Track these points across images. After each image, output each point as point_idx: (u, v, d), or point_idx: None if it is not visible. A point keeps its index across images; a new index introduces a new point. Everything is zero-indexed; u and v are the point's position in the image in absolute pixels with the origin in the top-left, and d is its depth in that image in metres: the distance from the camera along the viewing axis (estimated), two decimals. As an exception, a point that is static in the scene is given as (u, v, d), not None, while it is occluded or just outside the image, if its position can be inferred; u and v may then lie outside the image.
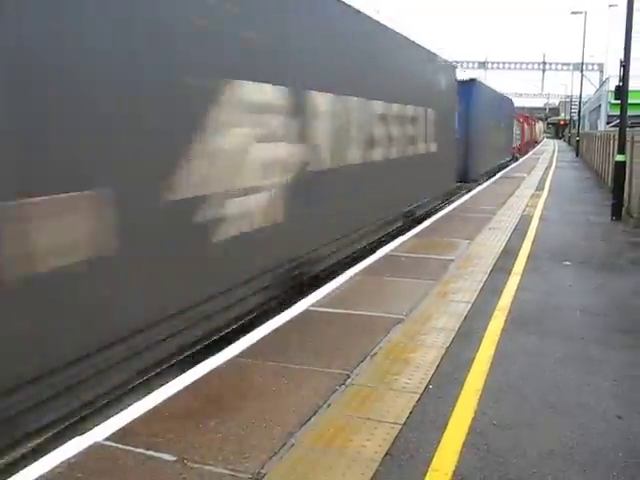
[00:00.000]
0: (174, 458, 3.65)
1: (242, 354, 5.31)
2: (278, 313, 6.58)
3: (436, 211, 15.34)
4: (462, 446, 3.87)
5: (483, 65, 78.88)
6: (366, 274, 8.25)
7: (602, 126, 45.85)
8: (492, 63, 78.81)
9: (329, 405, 4.37)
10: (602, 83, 58.02)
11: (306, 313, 6.51)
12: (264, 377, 4.87)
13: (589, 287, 8.02)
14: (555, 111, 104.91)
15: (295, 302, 6.97)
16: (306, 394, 4.53)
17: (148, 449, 3.74)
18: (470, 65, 79.07)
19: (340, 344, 5.60)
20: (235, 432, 3.98)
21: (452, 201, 17.38)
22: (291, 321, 6.24)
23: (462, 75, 23.76)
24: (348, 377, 4.83)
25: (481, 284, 7.72)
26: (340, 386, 4.67)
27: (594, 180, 24.58)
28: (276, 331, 5.94)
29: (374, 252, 9.75)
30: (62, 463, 3.60)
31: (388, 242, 10.76)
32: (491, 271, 8.44)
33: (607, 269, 9.02)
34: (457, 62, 77.45)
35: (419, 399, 4.50)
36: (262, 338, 5.72)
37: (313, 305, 6.77)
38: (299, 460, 3.66)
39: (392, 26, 11.67)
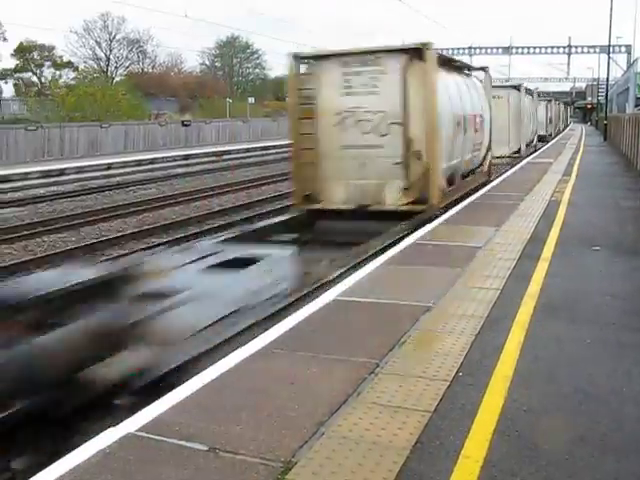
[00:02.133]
0: (206, 448, 3.69)
1: (272, 344, 5.34)
2: (307, 303, 6.59)
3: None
4: (492, 433, 3.86)
5: (507, 50, 78.07)
6: (393, 263, 8.24)
7: (630, 109, 45.13)
8: (516, 48, 77.95)
9: (359, 394, 4.38)
10: (630, 65, 57.10)
11: (334, 303, 6.52)
12: (293, 367, 4.89)
13: (619, 272, 7.93)
14: (582, 95, 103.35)
15: (322, 292, 6.99)
16: (336, 383, 4.55)
17: (180, 439, 3.79)
18: (494, 51, 78.31)
19: (368, 333, 5.61)
20: (266, 422, 4.00)
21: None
22: (319, 311, 6.25)
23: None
24: (377, 366, 4.84)
25: (509, 271, 7.67)
26: (369, 375, 4.68)
27: (623, 164, 24.25)
28: (305, 321, 5.95)
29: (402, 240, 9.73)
30: (97, 453, 3.66)
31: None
32: (519, 257, 8.37)
33: (637, 254, 8.91)
34: (481, 48, 76.71)
35: (449, 387, 4.49)
36: (291, 328, 5.74)
37: (340, 295, 6.78)
38: (330, 449, 3.67)
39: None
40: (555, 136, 45.61)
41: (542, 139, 39.73)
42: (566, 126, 69.90)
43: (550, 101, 46.39)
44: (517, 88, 29.82)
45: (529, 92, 33.69)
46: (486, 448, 3.70)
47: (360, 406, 4.22)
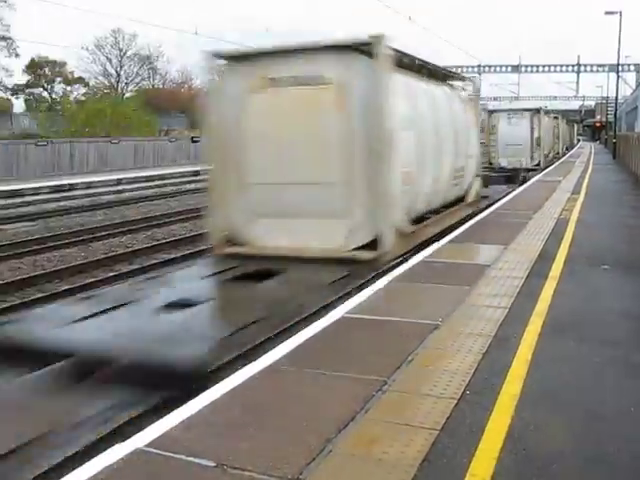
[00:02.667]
0: (214, 464, 3.70)
1: (279, 361, 5.35)
2: (315, 320, 6.61)
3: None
4: (500, 451, 3.86)
5: (516, 68, 78.18)
6: (401, 281, 8.25)
7: (639, 127, 45.11)
8: (525, 66, 78.04)
9: (367, 411, 4.39)
10: (639, 84, 57.15)
11: (342, 320, 6.53)
12: (301, 384, 4.91)
13: (628, 291, 7.92)
14: (591, 113, 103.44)
15: (331, 309, 7.00)
16: (343, 400, 4.55)
17: (188, 455, 3.80)
18: (504, 69, 78.47)
19: (376, 351, 5.61)
20: (273, 438, 4.01)
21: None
22: (327, 328, 6.27)
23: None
24: (385, 383, 4.84)
25: (517, 289, 7.67)
26: (377, 392, 4.69)
27: (632, 182, 24.23)
28: (313, 338, 5.97)
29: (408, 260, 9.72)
30: (104, 469, 3.67)
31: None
32: (527, 276, 8.37)
33: (646, 273, 8.89)
34: (490, 66, 76.86)
35: (456, 405, 4.49)
36: (299, 345, 5.75)
37: (349, 312, 6.79)
38: (337, 466, 3.68)
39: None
40: (561, 157, 47.02)
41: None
42: (571, 146, 69.65)
43: (556, 118, 48.21)
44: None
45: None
46: (493, 466, 3.69)
47: (368, 423, 4.22)
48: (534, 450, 3.90)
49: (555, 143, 45.66)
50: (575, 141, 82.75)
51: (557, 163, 38.56)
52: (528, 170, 31.73)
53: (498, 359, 5.40)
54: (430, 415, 4.33)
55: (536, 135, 34.26)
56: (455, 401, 4.55)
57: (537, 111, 35.56)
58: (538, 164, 33.98)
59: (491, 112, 36.11)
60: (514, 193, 20.01)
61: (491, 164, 32.93)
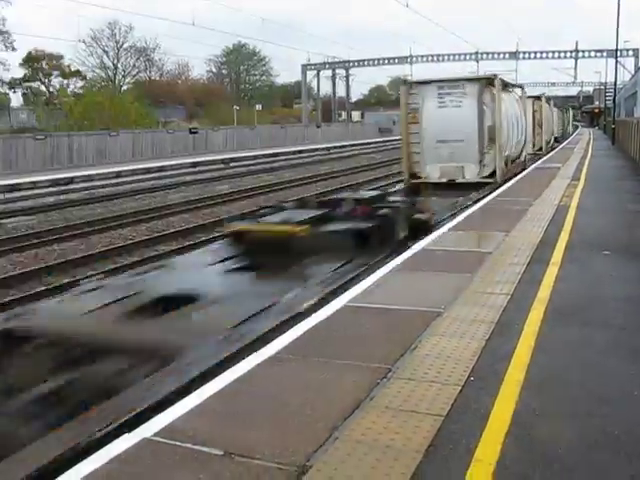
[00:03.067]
0: (221, 452, 3.73)
1: (283, 350, 5.37)
2: (318, 308, 6.62)
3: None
4: (505, 437, 3.88)
5: (514, 55, 77.95)
6: (403, 269, 8.26)
7: (638, 113, 45.03)
8: (523, 53, 77.83)
9: (372, 398, 4.41)
10: (638, 69, 56.99)
11: (345, 309, 6.55)
12: (306, 372, 4.93)
13: (630, 276, 7.94)
14: (589, 99, 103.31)
15: (333, 298, 7.02)
16: (349, 388, 4.58)
17: (195, 444, 3.82)
18: (501, 56, 78.23)
19: (380, 339, 5.63)
20: (280, 427, 4.04)
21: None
22: (330, 317, 6.29)
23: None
24: (390, 371, 4.87)
25: (519, 276, 7.68)
26: (382, 380, 4.71)
27: (631, 168, 24.22)
28: (315, 327, 5.99)
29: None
30: (113, 459, 3.70)
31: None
32: (529, 262, 8.38)
33: (648, 258, 8.91)
34: (488, 53, 76.57)
35: (461, 391, 4.51)
36: (302, 334, 5.77)
37: (352, 300, 6.81)
38: (344, 454, 3.70)
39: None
40: (545, 153, 35.34)
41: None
42: (563, 136, 56.46)
43: (537, 98, 37.09)
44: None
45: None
46: (499, 451, 3.72)
47: (373, 410, 4.24)
48: (539, 435, 3.92)
49: (536, 134, 33.89)
50: (570, 129, 72.76)
51: (552, 153, 37.08)
52: (477, 185, 18.86)
53: (502, 345, 5.42)
54: (435, 402, 4.35)
55: (488, 123, 19.05)
56: (460, 387, 4.57)
57: (489, 82, 19.47)
58: (492, 174, 19.16)
59: (409, 84, 20.63)
60: (513, 181, 20.00)
61: (415, 176, 19.51)
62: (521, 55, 77.71)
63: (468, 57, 76.79)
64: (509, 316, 6.20)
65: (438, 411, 4.21)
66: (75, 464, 3.73)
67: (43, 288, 10.58)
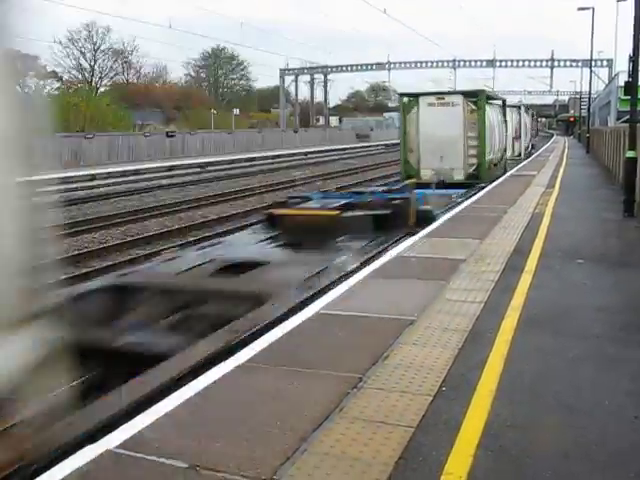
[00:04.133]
0: (186, 465, 3.63)
1: (253, 359, 5.28)
2: (290, 316, 6.55)
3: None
4: (476, 448, 3.82)
5: (491, 63, 78.61)
6: (376, 276, 8.21)
7: (612, 122, 45.44)
8: (500, 61, 78.50)
9: (342, 409, 4.33)
10: (611, 79, 57.66)
11: (317, 316, 6.47)
12: (275, 381, 4.84)
13: (603, 285, 7.95)
14: (565, 108, 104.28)
15: (306, 306, 6.95)
16: (318, 398, 4.50)
17: (160, 456, 3.72)
18: (478, 63, 78.85)
19: (351, 347, 5.56)
20: (247, 438, 3.94)
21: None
22: (302, 324, 6.21)
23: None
24: (360, 380, 4.79)
25: (493, 284, 7.66)
26: (352, 389, 4.63)
27: (605, 176, 24.44)
28: (287, 334, 5.90)
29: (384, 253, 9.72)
30: (73, 472, 3.58)
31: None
32: (503, 270, 8.37)
33: (621, 266, 8.94)
34: (465, 61, 77.24)
35: (432, 401, 4.46)
36: (273, 342, 5.69)
37: (324, 308, 6.73)
38: (312, 466, 3.62)
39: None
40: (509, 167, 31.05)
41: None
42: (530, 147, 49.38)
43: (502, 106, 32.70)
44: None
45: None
46: (470, 464, 3.66)
47: (343, 421, 4.17)
48: (511, 446, 3.87)
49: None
50: (534, 140, 61.82)
51: (529, 159, 37.69)
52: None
53: (474, 354, 5.37)
54: (406, 412, 4.28)
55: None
56: (431, 398, 4.51)
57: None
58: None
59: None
60: (488, 188, 20.07)
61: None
62: (498, 63, 78.44)
63: (446, 64, 77.37)
64: (482, 324, 6.16)
65: (409, 422, 4.14)
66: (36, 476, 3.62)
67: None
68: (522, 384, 4.83)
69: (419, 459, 3.70)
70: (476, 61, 79.05)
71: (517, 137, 35.98)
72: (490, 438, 3.96)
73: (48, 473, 3.62)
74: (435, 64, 78.39)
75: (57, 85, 69.36)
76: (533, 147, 50.23)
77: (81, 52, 72.35)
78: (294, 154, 50.23)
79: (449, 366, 5.09)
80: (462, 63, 78.07)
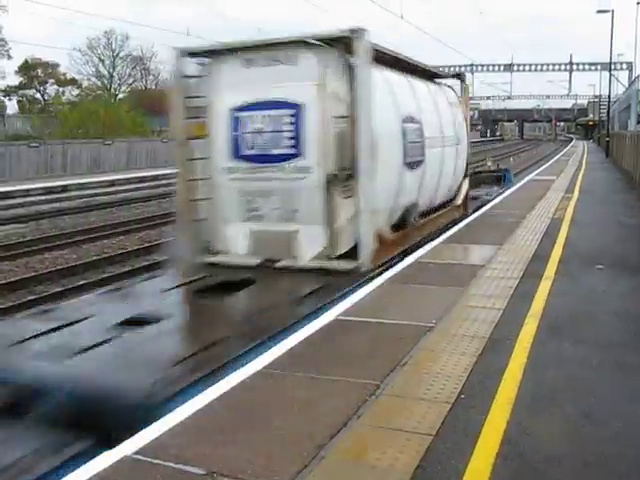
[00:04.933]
0: (203, 472, 3.63)
1: (271, 365, 5.28)
2: (307, 322, 6.53)
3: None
4: (495, 457, 3.79)
5: (509, 67, 78.31)
6: (395, 282, 8.18)
7: (632, 126, 45.15)
8: (518, 65, 78.21)
9: (359, 416, 4.31)
10: (631, 82, 57.22)
11: (335, 322, 6.46)
12: (293, 388, 4.83)
13: (623, 291, 7.87)
14: (584, 112, 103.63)
15: (324, 311, 6.93)
16: (336, 405, 4.48)
17: (177, 463, 3.72)
18: (496, 68, 78.59)
19: (370, 354, 5.54)
20: (265, 445, 3.94)
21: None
22: (320, 330, 6.19)
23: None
24: (378, 387, 4.77)
25: (512, 290, 7.61)
26: (370, 397, 4.62)
27: (625, 181, 24.23)
28: (305, 341, 5.89)
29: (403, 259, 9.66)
30: (91, 478, 3.59)
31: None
32: (522, 277, 8.31)
33: (641, 272, 8.84)
34: (483, 65, 76.93)
35: (451, 409, 4.43)
36: (291, 348, 5.68)
37: (342, 314, 6.72)
38: (330, 474, 3.61)
39: None
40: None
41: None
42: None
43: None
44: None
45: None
46: (489, 473, 3.63)
47: (360, 428, 4.15)
48: (530, 455, 3.83)
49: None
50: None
51: (550, 162, 37.21)
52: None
53: (493, 361, 5.33)
54: (424, 420, 4.26)
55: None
56: (450, 405, 4.48)
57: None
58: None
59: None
60: (506, 193, 19.96)
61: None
62: (515, 67, 78.12)
63: (463, 69, 77.10)
64: (501, 331, 6.12)
65: (427, 430, 4.12)
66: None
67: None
68: (541, 393, 4.78)
69: (437, 467, 3.68)
70: (494, 65, 78.80)
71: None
72: (510, 447, 3.92)
73: (66, 478, 3.64)
74: (453, 69, 78.17)
75: (76, 92, 70.05)
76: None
77: (100, 59, 72.87)
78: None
79: (468, 373, 5.05)
80: (480, 68, 77.81)
